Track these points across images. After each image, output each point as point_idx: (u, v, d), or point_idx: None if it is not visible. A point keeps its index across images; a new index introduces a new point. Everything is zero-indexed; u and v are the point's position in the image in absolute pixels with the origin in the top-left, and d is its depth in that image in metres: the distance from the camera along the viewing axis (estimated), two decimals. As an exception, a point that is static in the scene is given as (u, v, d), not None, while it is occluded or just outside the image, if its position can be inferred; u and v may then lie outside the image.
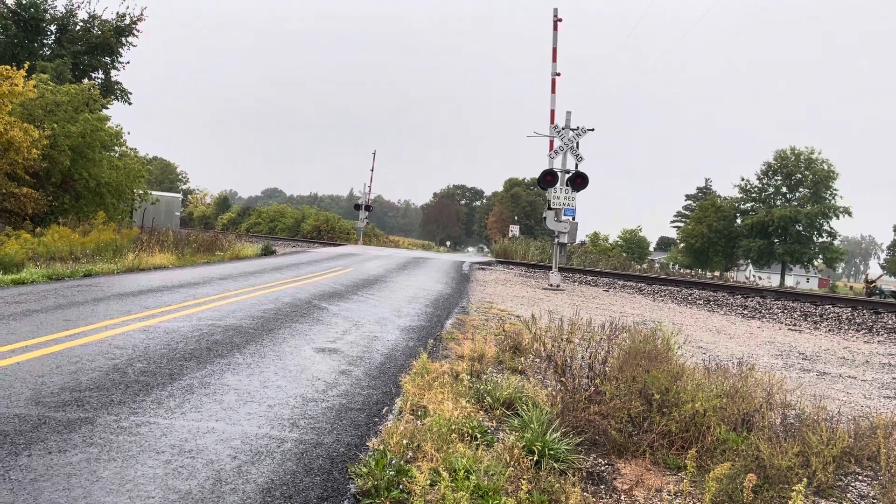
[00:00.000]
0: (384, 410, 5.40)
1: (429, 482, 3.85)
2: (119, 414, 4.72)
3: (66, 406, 4.80)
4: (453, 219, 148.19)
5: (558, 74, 20.71)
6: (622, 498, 4.15)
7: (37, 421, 4.45)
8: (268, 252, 26.97)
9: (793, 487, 3.45)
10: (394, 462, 4.05)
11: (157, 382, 5.60)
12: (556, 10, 21.16)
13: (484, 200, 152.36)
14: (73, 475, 3.68)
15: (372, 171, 58.25)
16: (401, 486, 3.85)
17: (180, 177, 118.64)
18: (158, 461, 3.96)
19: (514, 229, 52.25)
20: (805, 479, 3.58)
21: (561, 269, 22.99)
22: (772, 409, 5.75)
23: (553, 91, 20.91)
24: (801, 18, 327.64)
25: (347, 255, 28.78)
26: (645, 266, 58.35)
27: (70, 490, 3.50)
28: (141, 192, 28.40)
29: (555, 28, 20.79)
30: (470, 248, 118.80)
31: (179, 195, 65.82)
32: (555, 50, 20.80)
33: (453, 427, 4.76)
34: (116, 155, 26.63)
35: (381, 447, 4.34)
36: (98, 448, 4.08)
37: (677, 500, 4.11)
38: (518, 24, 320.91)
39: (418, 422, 4.87)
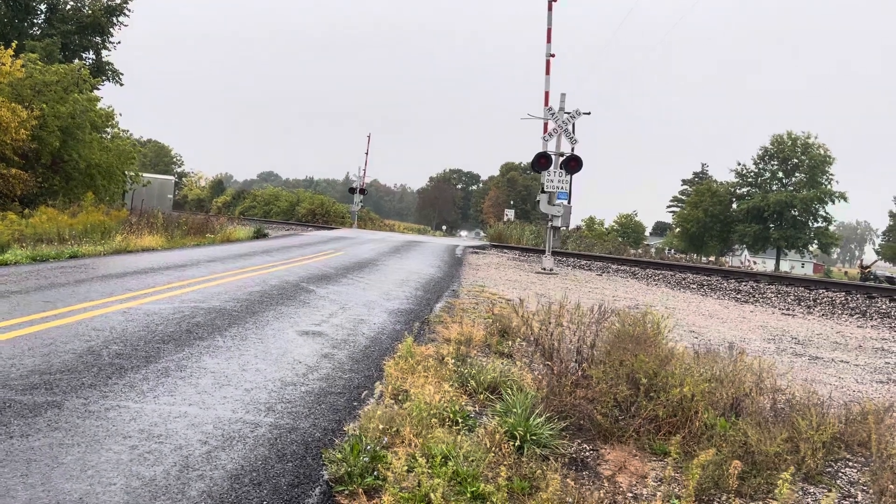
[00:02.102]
0: (364, 395, 5.26)
1: (406, 468, 3.71)
2: (88, 397, 4.57)
3: (34, 389, 4.65)
4: (450, 203, 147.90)
5: (553, 55, 20.44)
6: (605, 484, 4.03)
7: (1, 404, 4.30)
8: (259, 235, 26.75)
9: (780, 475, 3.33)
10: (369, 448, 3.92)
11: (132, 365, 5.45)
12: (551, -10, 20.82)
13: (480, 185, 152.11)
14: (33, 461, 3.53)
15: (367, 154, 57.72)
16: (375, 473, 3.71)
17: (175, 160, 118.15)
18: (124, 446, 3.81)
19: (510, 213, 52.08)
20: (792, 467, 3.45)
21: (555, 253, 22.87)
22: (762, 393, 5.64)
23: (547, 73, 20.64)
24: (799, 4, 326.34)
25: (340, 239, 28.60)
26: (640, 251, 58.30)
27: (28, 476, 3.35)
28: (132, 174, 28.16)
29: (549, 8, 20.48)
30: (464, 232, 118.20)
31: (172, 178, 65.34)
32: (549, 31, 20.51)
33: (434, 411, 4.62)
34: (108, 137, 26.33)
35: (358, 432, 4.20)
36: (63, 432, 3.94)
37: (662, 487, 3.99)
38: (517, 5, 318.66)
39: (397, 406, 4.73)
